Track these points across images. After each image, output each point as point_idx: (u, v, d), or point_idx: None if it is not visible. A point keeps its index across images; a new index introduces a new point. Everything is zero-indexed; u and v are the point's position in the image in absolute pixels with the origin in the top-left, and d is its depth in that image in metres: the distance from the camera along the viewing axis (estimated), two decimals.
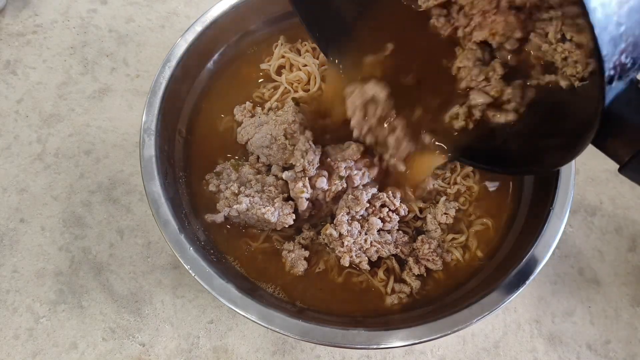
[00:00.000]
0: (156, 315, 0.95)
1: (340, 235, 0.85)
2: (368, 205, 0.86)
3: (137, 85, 1.20)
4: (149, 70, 1.22)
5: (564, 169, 0.88)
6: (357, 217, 0.87)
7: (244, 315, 0.75)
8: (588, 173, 1.13)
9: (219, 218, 0.86)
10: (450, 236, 0.89)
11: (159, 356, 0.92)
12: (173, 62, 0.95)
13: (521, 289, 0.78)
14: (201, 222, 0.89)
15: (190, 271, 0.77)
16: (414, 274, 0.85)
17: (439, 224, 0.90)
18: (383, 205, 0.87)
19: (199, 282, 0.77)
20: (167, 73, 0.94)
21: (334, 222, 0.86)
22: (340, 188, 0.87)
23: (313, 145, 0.89)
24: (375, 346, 0.74)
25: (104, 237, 1.02)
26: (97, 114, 1.15)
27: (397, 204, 0.87)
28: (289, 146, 0.90)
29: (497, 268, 0.86)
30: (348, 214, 0.86)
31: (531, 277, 0.78)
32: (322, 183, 0.86)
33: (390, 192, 0.88)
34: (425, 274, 0.86)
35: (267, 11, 1.08)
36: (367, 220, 0.86)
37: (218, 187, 0.91)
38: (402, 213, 0.88)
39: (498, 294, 0.77)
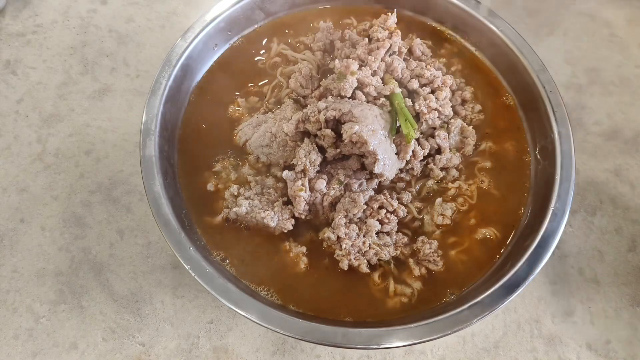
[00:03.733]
0: (156, 315, 0.95)
1: (338, 238, 0.85)
2: (366, 207, 0.86)
3: (137, 85, 1.20)
4: (149, 70, 1.22)
5: (564, 169, 0.88)
6: (355, 219, 0.86)
7: (244, 315, 0.75)
8: (588, 173, 1.13)
9: (217, 219, 0.87)
10: (452, 239, 0.89)
11: (159, 356, 0.92)
12: (173, 62, 0.95)
13: (521, 289, 0.78)
14: (199, 223, 0.89)
15: (190, 271, 0.77)
16: (414, 275, 0.85)
17: (437, 225, 0.90)
18: (381, 207, 0.87)
19: (199, 282, 0.77)
20: (167, 73, 0.94)
21: (332, 225, 0.86)
22: (338, 193, 0.87)
23: (316, 147, 0.89)
24: (375, 346, 0.74)
25: (104, 237, 1.02)
26: (97, 114, 1.15)
27: (395, 205, 0.87)
28: (290, 142, 0.90)
29: (497, 268, 0.86)
30: (346, 217, 0.86)
31: (531, 277, 0.79)
32: (322, 185, 0.86)
33: (387, 193, 0.88)
34: (426, 275, 0.86)
35: (266, 10, 1.08)
36: (365, 222, 0.86)
37: (217, 187, 0.91)
38: (401, 214, 0.88)
39: (498, 294, 0.78)
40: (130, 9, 1.31)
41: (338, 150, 0.87)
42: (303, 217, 0.88)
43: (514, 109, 1.02)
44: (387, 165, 0.85)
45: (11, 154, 1.10)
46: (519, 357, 0.95)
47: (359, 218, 0.87)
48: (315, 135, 0.88)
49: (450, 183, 0.93)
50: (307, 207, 0.87)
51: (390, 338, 0.74)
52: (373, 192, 0.89)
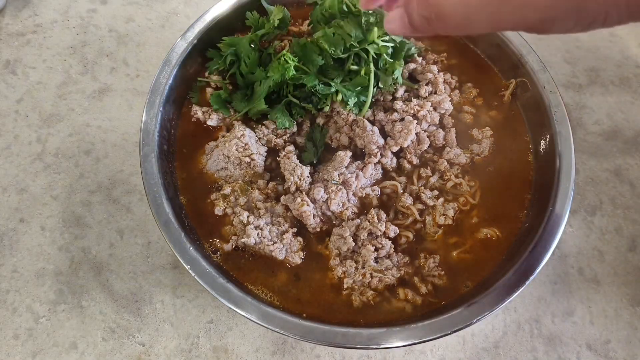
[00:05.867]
0: (156, 315, 0.95)
1: (339, 278, 0.84)
2: (354, 243, 0.85)
3: (137, 85, 1.20)
4: (149, 70, 1.22)
5: (564, 169, 0.88)
6: (348, 254, 0.86)
7: (244, 315, 0.75)
8: (588, 173, 1.13)
9: (227, 247, 0.86)
10: (453, 239, 0.89)
11: (158, 356, 0.92)
12: (173, 62, 0.95)
13: (521, 289, 0.78)
14: (208, 245, 0.88)
15: (190, 271, 0.77)
16: (421, 293, 0.84)
17: (439, 226, 0.89)
18: (370, 234, 0.87)
19: (199, 282, 0.77)
20: (167, 73, 0.94)
21: (330, 266, 0.86)
22: (340, 194, 0.87)
23: (298, 161, 0.89)
24: (375, 346, 0.74)
25: (104, 237, 1.02)
26: (97, 114, 1.15)
27: (383, 228, 0.86)
28: (243, 159, 0.89)
29: (498, 268, 0.86)
30: (339, 255, 0.86)
31: (531, 277, 0.79)
32: (319, 193, 0.86)
33: (375, 216, 0.87)
34: (433, 291, 0.85)
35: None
36: (360, 253, 0.85)
37: (224, 211, 0.89)
38: (392, 235, 0.87)
39: (498, 294, 0.78)
40: (130, 8, 1.31)
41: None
42: (319, 229, 0.88)
43: (514, 109, 1.02)
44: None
45: (11, 153, 1.10)
46: (519, 357, 0.95)
47: (352, 251, 0.86)
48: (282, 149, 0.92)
49: (453, 177, 0.93)
50: (318, 220, 0.87)
51: (390, 338, 0.74)
52: (359, 221, 0.88)
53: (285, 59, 0.87)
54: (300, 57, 0.90)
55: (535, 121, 0.98)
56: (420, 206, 0.91)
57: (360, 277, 0.83)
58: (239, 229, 0.86)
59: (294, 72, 0.89)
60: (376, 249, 0.85)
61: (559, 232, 0.82)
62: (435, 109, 0.96)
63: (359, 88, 0.92)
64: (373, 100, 0.96)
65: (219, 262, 0.85)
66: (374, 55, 0.91)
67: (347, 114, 0.93)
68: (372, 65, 0.90)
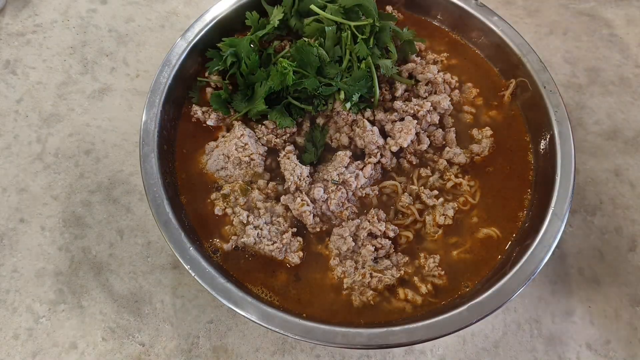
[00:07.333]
0: (156, 315, 0.95)
1: (339, 278, 0.84)
2: (354, 243, 0.85)
3: (137, 85, 1.20)
4: (149, 70, 1.22)
5: (564, 169, 0.88)
6: (348, 254, 0.86)
7: (244, 315, 0.75)
8: (588, 173, 1.13)
9: (227, 247, 0.86)
10: (453, 239, 0.89)
11: (158, 356, 0.92)
12: (173, 62, 0.95)
13: (521, 289, 0.78)
14: (209, 245, 0.88)
15: (190, 271, 0.77)
16: (421, 293, 0.84)
17: (439, 225, 0.89)
18: (370, 234, 0.87)
19: (199, 282, 0.77)
20: (167, 73, 0.94)
21: (330, 266, 0.86)
22: (340, 194, 0.87)
23: (298, 161, 0.89)
24: (375, 346, 0.74)
25: (104, 237, 1.02)
26: (97, 114, 1.15)
27: (382, 228, 0.86)
28: (243, 158, 0.89)
29: (498, 268, 0.86)
30: (338, 255, 0.86)
31: (531, 277, 0.79)
32: (320, 193, 0.86)
33: (375, 216, 0.87)
34: (433, 291, 0.85)
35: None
36: (360, 253, 0.85)
37: (224, 211, 0.89)
38: (392, 235, 0.87)
39: (498, 294, 0.78)
40: (130, 8, 1.31)
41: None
42: (318, 229, 0.88)
43: (514, 109, 1.02)
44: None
45: (11, 153, 1.10)
46: (519, 357, 0.95)
47: (352, 251, 0.86)
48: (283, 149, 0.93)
49: (453, 176, 0.93)
50: (317, 219, 0.87)
51: (390, 338, 0.74)
52: (359, 221, 0.88)
53: (284, 65, 0.87)
54: (298, 60, 0.91)
55: (535, 121, 0.98)
56: (420, 206, 0.91)
57: (360, 277, 0.83)
58: (238, 229, 0.86)
59: (294, 77, 0.89)
60: (376, 249, 0.85)
61: (559, 232, 0.82)
62: (435, 108, 0.96)
63: (362, 81, 0.92)
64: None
65: (219, 262, 0.85)
66: (356, 33, 0.92)
67: (347, 114, 0.93)
68: (364, 45, 0.90)
